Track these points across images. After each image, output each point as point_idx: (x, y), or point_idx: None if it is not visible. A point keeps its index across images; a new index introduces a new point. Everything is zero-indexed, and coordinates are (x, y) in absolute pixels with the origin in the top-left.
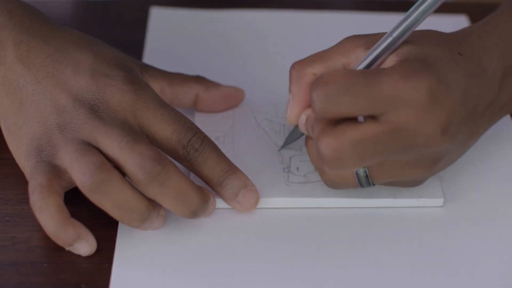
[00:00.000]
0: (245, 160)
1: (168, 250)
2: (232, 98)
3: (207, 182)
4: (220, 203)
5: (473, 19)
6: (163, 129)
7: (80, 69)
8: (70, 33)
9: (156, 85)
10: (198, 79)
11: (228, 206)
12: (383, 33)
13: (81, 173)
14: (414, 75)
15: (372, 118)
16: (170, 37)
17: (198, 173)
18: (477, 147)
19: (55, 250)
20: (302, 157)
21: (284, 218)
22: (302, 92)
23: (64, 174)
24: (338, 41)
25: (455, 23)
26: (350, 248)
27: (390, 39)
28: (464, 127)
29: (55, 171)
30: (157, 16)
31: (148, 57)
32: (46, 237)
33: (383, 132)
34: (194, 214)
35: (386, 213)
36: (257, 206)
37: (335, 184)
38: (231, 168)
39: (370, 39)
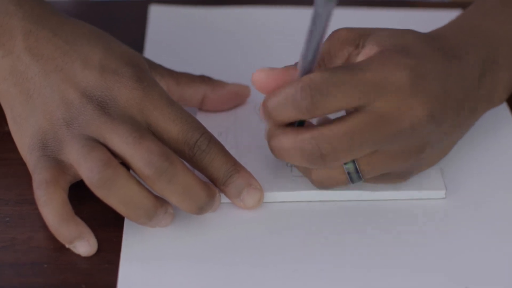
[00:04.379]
0: (248, 155)
1: (174, 246)
2: (238, 96)
3: (212, 180)
4: (224, 198)
5: None
6: (170, 128)
7: (89, 64)
8: (80, 26)
9: (163, 84)
10: (204, 79)
11: None
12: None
13: (88, 170)
14: (394, 62)
15: (356, 111)
16: (169, 35)
17: (203, 172)
18: (478, 139)
19: (55, 251)
20: None
21: (289, 211)
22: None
23: (69, 169)
24: None
25: (451, 17)
26: (354, 240)
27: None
28: (447, 115)
29: (60, 166)
30: (157, 14)
31: (149, 55)
32: (46, 238)
33: (370, 120)
34: (201, 209)
35: (388, 205)
36: (263, 201)
37: (322, 183)
38: (236, 167)
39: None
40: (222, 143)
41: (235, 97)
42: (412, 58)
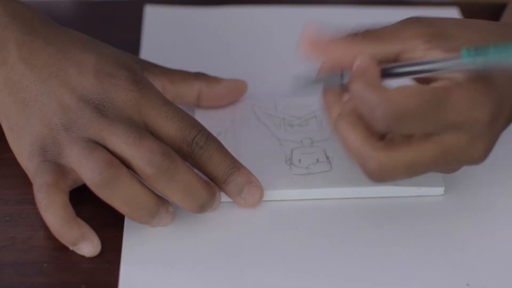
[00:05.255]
0: (247, 154)
1: (175, 247)
2: (235, 91)
3: (211, 179)
4: (224, 197)
5: (464, 12)
6: (168, 126)
7: (83, 70)
8: (73, 34)
9: (158, 83)
10: (199, 76)
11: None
12: (448, 20)
13: (90, 170)
14: (479, 99)
15: (424, 136)
16: (165, 35)
17: (202, 170)
18: None
19: (55, 250)
20: (304, 149)
21: (288, 210)
22: (343, 53)
23: (69, 173)
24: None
25: (446, 15)
26: (353, 237)
27: (460, 61)
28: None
29: (60, 170)
30: (152, 14)
31: (145, 56)
32: (46, 237)
33: (435, 154)
34: (202, 208)
35: (388, 202)
36: (263, 198)
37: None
38: (236, 165)
39: (433, 31)
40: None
41: (232, 93)
42: (496, 91)
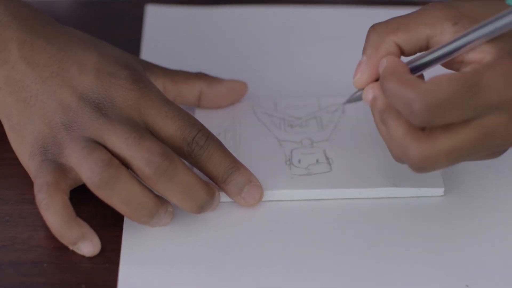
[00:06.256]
0: (247, 154)
1: (174, 247)
2: (235, 92)
3: (211, 178)
4: (223, 197)
5: None
6: (168, 126)
7: (84, 69)
8: (74, 33)
9: (159, 83)
10: (201, 76)
11: (232, 200)
12: (468, 2)
13: (89, 170)
14: None
15: (464, 122)
16: (166, 35)
17: (202, 169)
18: None
19: (55, 250)
20: (303, 149)
21: (288, 210)
22: (379, 58)
23: (70, 172)
24: (337, 36)
25: None
26: (353, 238)
27: (489, 27)
28: None
29: (61, 170)
30: (153, 14)
31: (145, 55)
32: (46, 237)
33: (477, 138)
34: (201, 208)
35: (387, 203)
36: (262, 198)
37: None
38: (236, 165)
39: (458, 13)
40: None
41: (232, 93)
42: None
